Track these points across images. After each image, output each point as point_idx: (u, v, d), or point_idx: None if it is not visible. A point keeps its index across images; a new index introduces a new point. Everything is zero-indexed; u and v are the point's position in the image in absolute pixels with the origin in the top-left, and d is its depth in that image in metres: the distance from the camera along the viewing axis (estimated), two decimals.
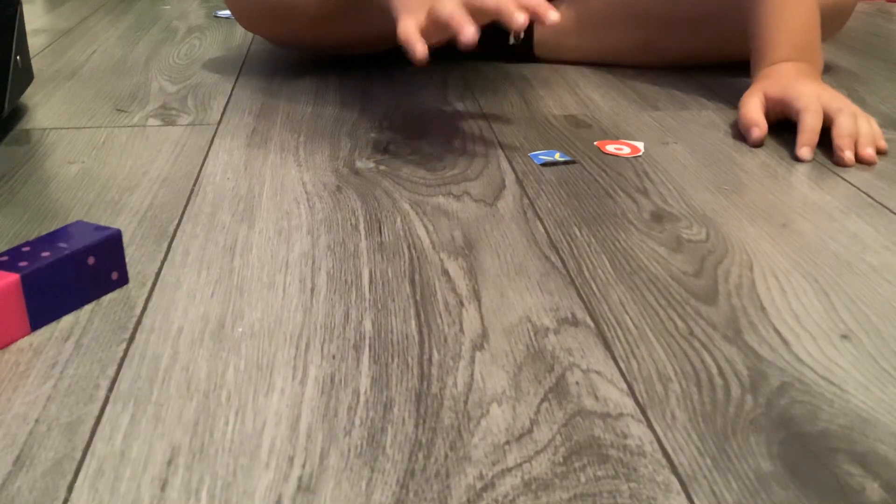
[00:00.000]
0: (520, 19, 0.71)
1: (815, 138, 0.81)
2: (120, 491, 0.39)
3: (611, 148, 0.83)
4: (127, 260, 0.61)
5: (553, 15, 0.74)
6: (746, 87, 0.90)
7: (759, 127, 0.84)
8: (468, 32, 0.70)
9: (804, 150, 0.80)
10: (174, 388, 0.47)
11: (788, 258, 0.62)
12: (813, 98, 0.83)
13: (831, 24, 1.05)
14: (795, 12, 0.91)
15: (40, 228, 0.66)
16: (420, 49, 0.73)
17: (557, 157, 0.81)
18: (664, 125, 0.91)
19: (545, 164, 0.79)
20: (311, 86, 1.05)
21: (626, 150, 0.82)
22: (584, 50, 1.14)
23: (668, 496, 0.39)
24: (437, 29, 0.74)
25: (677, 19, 1.09)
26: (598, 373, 0.48)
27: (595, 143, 0.84)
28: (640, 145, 0.84)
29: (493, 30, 1.13)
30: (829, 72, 1.11)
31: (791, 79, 0.87)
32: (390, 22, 1.07)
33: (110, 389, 0.47)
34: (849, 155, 0.79)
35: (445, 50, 1.14)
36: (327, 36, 1.07)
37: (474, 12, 0.72)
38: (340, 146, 0.84)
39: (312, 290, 0.57)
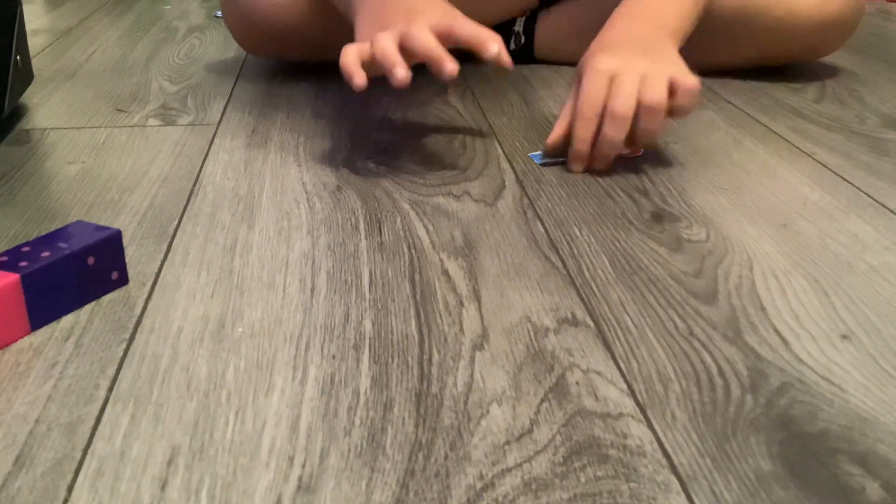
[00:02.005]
0: (448, 69, 0.70)
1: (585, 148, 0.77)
2: (120, 491, 0.39)
3: None
4: (127, 260, 0.61)
5: (494, 48, 0.71)
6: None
7: None
8: (398, 75, 0.69)
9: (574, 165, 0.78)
10: (174, 388, 0.47)
11: (788, 258, 0.62)
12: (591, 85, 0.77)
13: (833, 38, 1.05)
14: None
15: (40, 228, 0.66)
16: (357, 82, 0.71)
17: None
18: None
19: (545, 164, 0.79)
20: (311, 86, 1.05)
21: (625, 150, 0.82)
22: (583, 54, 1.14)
23: (668, 496, 0.39)
24: (375, 62, 0.72)
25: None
26: (598, 373, 0.48)
27: None
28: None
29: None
30: (829, 72, 1.11)
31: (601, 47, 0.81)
32: None
33: (110, 389, 0.47)
34: (576, 167, 0.78)
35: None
36: (332, 56, 1.07)
37: (408, 53, 0.71)
38: (340, 146, 0.84)
39: (312, 290, 0.57)
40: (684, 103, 0.76)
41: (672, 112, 0.77)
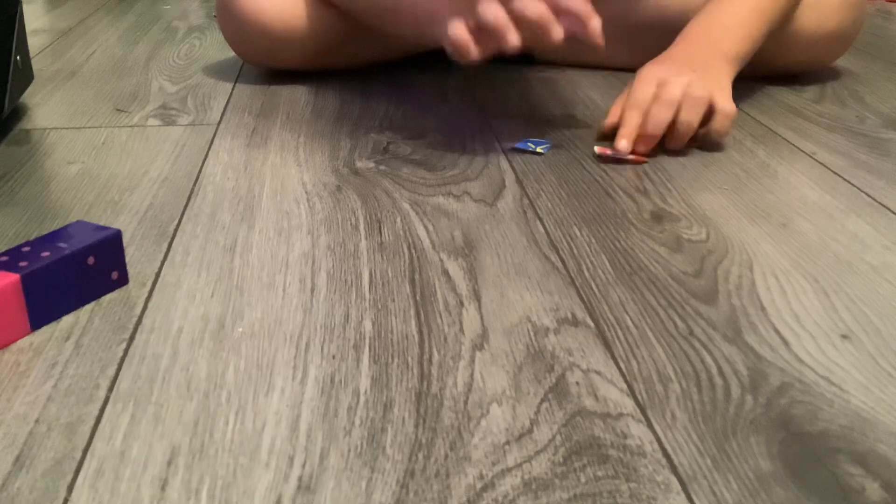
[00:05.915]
0: (558, 34, 0.73)
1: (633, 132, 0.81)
2: (120, 491, 0.39)
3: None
4: (127, 260, 0.61)
5: (595, 23, 0.74)
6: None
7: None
8: (512, 40, 0.72)
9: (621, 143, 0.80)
10: (174, 388, 0.47)
11: (788, 258, 0.62)
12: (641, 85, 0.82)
13: (834, 51, 1.05)
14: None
15: (40, 228, 0.66)
16: (475, 55, 0.74)
17: (539, 150, 0.82)
18: None
19: (514, 150, 0.82)
20: (311, 86, 1.05)
21: (639, 156, 0.81)
22: (583, 60, 1.14)
23: (668, 496, 0.39)
24: (482, 34, 0.74)
25: (672, 37, 1.08)
26: (598, 373, 0.48)
27: (596, 147, 0.84)
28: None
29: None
30: (829, 72, 1.11)
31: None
32: (392, 45, 1.06)
33: (110, 389, 0.47)
34: (623, 144, 0.80)
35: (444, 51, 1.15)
36: (329, 64, 1.08)
37: (517, 21, 0.74)
38: (340, 146, 0.84)
39: (312, 290, 0.57)
40: (717, 126, 0.80)
41: (706, 134, 0.81)
